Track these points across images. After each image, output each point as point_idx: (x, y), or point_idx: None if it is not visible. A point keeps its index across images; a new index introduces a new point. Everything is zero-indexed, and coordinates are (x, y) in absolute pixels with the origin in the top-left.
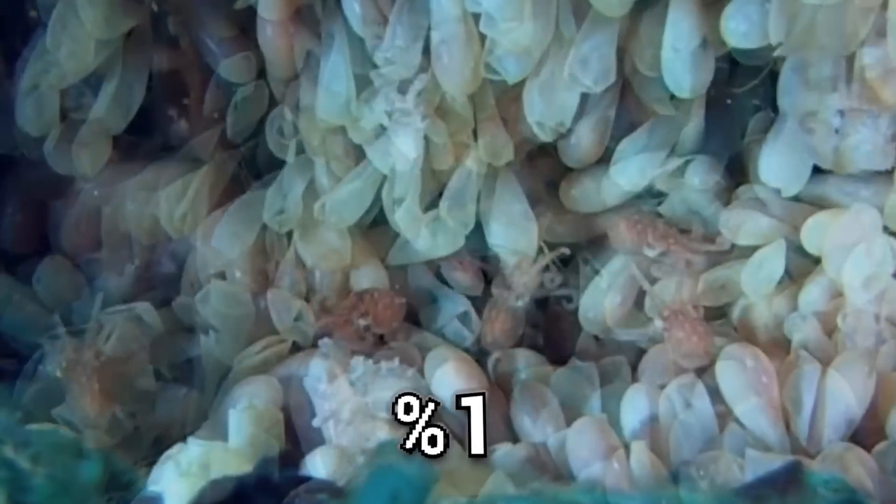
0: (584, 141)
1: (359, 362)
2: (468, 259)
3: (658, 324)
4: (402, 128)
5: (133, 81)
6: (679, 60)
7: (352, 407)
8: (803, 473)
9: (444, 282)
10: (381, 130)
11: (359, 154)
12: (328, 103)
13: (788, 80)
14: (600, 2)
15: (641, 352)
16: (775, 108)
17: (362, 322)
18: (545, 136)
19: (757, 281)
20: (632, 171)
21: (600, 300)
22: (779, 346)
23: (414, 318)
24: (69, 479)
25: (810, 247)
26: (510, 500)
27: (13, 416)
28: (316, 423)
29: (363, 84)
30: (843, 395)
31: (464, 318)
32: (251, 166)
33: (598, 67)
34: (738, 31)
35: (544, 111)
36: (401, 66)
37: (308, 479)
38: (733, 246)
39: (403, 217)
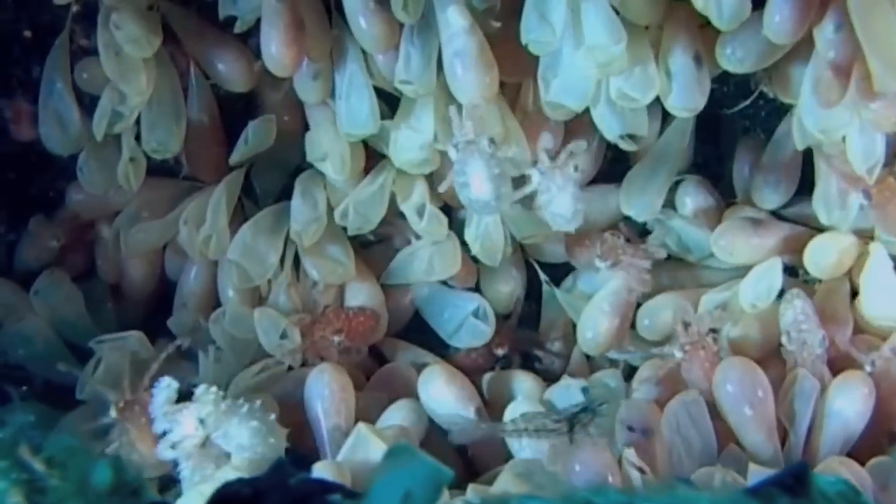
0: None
1: (205, 393)
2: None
3: (677, 354)
4: (471, 157)
5: (170, 101)
6: (676, 80)
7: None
8: (810, 475)
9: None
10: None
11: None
12: (351, 117)
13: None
14: (632, 10)
15: (633, 367)
16: (765, 130)
17: (336, 339)
18: (630, 147)
19: (755, 296)
20: (642, 202)
21: (599, 321)
22: (770, 363)
23: (420, 331)
24: (82, 482)
25: (814, 269)
26: (523, 499)
27: (26, 419)
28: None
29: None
30: (843, 413)
31: (478, 313)
32: (245, 186)
33: (642, 78)
34: (734, 57)
35: (623, 124)
36: (419, 86)
37: (322, 481)
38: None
39: (429, 221)
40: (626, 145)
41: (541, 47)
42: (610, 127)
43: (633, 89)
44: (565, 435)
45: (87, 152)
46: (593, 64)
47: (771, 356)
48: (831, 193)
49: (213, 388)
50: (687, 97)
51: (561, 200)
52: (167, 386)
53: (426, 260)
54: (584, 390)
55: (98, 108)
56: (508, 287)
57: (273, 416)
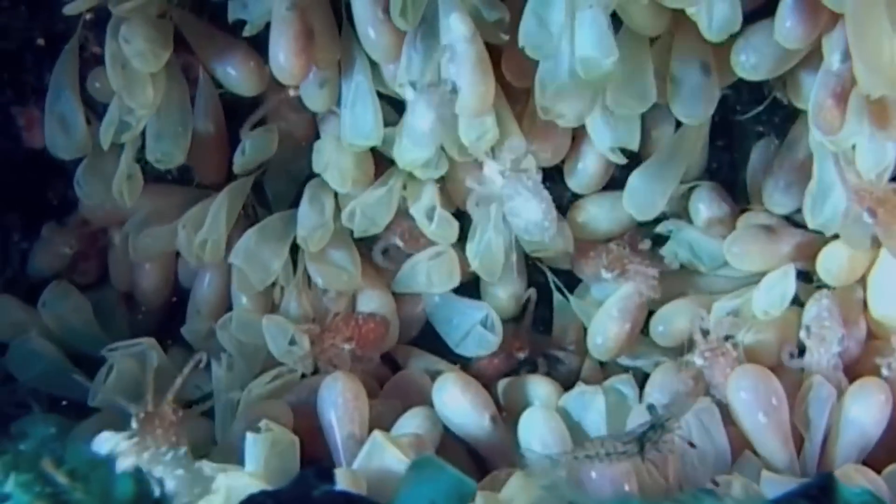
0: (590, 167)
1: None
2: None
3: (697, 361)
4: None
5: (178, 112)
6: (683, 88)
7: None
8: (836, 486)
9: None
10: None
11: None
12: (355, 126)
13: None
14: (635, 21)
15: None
16: (779, 135)
17: (346, 347)
18: (619, 160)
19: (768, 303)
20: (644, 202)
21: (608, 327)
22: (786, 370)
23: (435, 338)
24: (105, 495)
25: (826, 276)
26: None
27: (47, 432)
28: None
29: (386, 104)
30: (860, 420)
31: (486, 322)
32: (258, 194)
33: (639, 88)
34: (748, 63)
35: (614, 136)
36: None
37: (346, 493)
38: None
39: (440, 225)
40: (616, 158)
41: (537, 52)
42: (601, 137)
43: (630, 98)
44: (637, 455)
45: (86, 165)
46: (582, 74)
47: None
48: (821, 194)
49: (136, 438)
50: (692, 105)
51: (531, 207)
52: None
53: (425, 273)
54: (651, 408)
55: (106, 117)
56: (507, 292)
57: (200, 464)
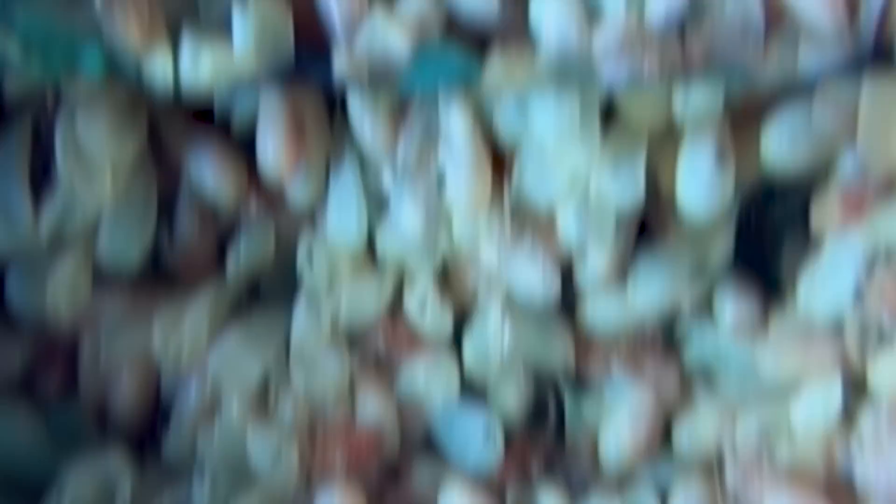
0: (600, 264)
1: None
2: None
3: (728, 477)
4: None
5: (140, 208)
6: (691, 178)
7: None
8: None
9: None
10: None
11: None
12: (338, 226)
13: None
14: (627, 111)
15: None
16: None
17: (339, 459)
18: (582, 257)
19: (809, 416)
20: (652, 292)
21: (621, 433)
22: (832, 492)
23: (436, 444)
24: None
25: (881, 387)
26: None
27: None
28: None
29: (376, 204)
30: None
31: (488, 433)
32: (251, 293)
33: (625, 183)
34: (780, 151)
35: (582, 236)
36: None
37: None
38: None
39: (432, 316)
40: (578, 252)
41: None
42: (568, 230)
43: (614, 192)
44: None
45: (22, 266)
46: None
47: (835, 486)
48: (823, 277)
49: None
50: (699, 198)
51: (530, 270)
52: None
53: (423, 380)
54: None
55: (49, 207)
56: (514, 396)
57: None
